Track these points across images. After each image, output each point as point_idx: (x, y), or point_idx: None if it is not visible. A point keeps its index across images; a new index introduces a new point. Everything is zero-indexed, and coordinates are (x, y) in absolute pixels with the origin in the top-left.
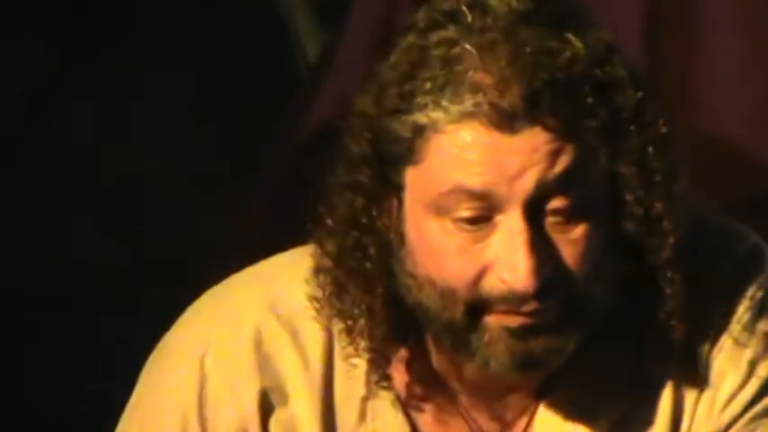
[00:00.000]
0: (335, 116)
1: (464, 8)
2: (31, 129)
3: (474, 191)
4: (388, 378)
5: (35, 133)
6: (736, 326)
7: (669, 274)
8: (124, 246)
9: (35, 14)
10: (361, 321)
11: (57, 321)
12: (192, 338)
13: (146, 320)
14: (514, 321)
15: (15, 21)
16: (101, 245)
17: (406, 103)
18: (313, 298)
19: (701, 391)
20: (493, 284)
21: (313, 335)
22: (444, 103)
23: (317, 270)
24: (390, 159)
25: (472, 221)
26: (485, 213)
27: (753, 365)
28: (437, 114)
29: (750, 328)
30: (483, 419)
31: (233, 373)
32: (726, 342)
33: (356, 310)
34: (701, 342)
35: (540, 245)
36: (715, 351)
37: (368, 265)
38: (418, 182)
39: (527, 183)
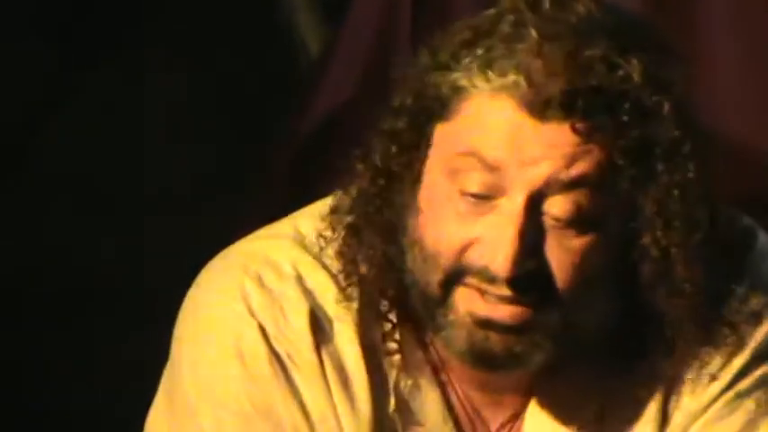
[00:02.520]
0: (334, 114)
1: None
2: (30, 129)
3: (486, 161)
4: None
5: (35, 134)
6: (722, 307)
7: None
8: (124, 246)
9: (35, 14)
10: (371, 269)
11: (57, 321)
12: (227, 273)
13: (146, 321)
14: (482, 309)
15: (15, 21)
16: (101, 245)
17: (455, 62)
18: (322, 236)
19: (688, 377)
20: (474, 258)
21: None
22: (488, 71)
23: (334, 211)
24: (427, 113)
25: (476, 197)
26: (490, 192)
27: (734, 347)
28: (477, 80)
29: (737, 308)
30: (477, 403)
31: (279, 297)
32: (710, 323)
33: (369, 255)
34: (689, 326)
35: (532, 238)
36: (700, 332)
37: (389, 213)
38: (443, 140)
39: (538, 173)
